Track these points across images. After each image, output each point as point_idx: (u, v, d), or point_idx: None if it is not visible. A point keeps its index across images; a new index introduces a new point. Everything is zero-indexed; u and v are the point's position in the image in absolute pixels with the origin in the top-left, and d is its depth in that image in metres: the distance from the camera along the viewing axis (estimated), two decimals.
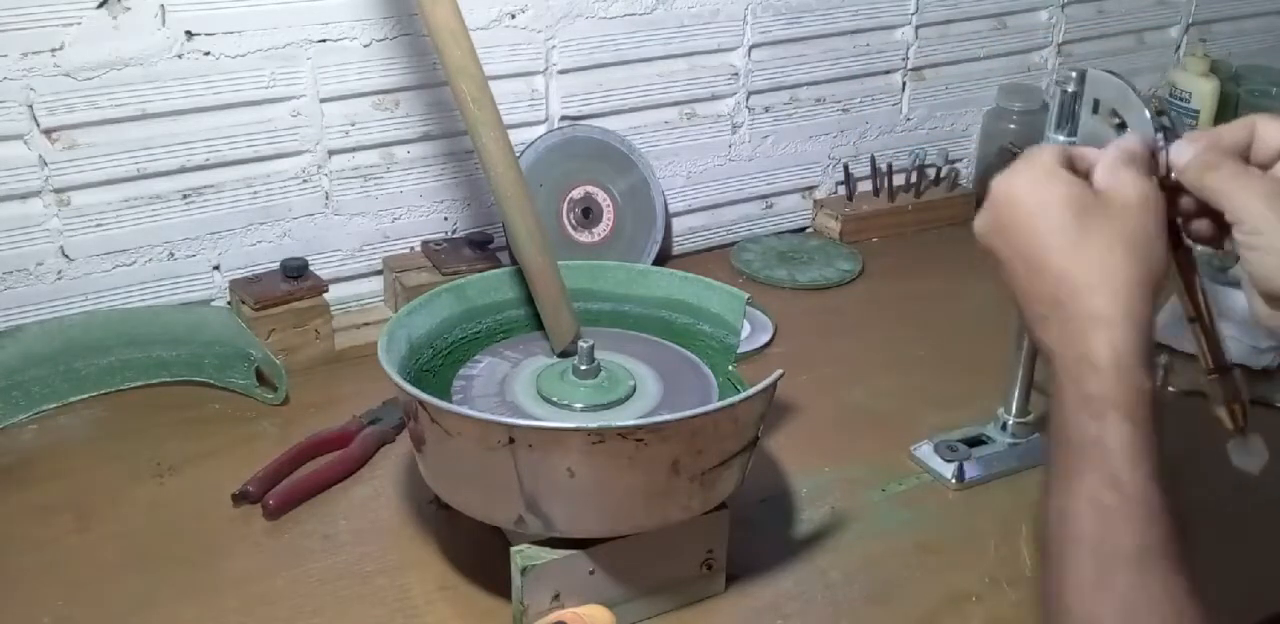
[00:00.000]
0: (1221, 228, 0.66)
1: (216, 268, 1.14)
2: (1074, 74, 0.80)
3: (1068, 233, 0.62)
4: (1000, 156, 1.41)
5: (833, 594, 0.86)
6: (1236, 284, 1.25)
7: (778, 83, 1.37)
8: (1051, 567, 0.61)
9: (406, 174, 1.20)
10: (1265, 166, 0.66)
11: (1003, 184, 0.65)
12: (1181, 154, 0.66)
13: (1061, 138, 0.83)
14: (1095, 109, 0.75)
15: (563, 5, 1.20)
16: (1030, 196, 0.64)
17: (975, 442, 1.01)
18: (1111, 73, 0.74)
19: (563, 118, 1.25)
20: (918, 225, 1.46)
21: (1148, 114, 0.70)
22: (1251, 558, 0.90)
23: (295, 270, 1.11)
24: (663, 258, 1.35)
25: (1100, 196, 0.63)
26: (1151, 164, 0.66)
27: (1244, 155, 0.67)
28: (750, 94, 1.35)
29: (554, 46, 1.21)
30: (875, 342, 1.21)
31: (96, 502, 0.92)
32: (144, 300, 1.12)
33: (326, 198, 1.17)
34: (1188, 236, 0.68)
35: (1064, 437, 0.61)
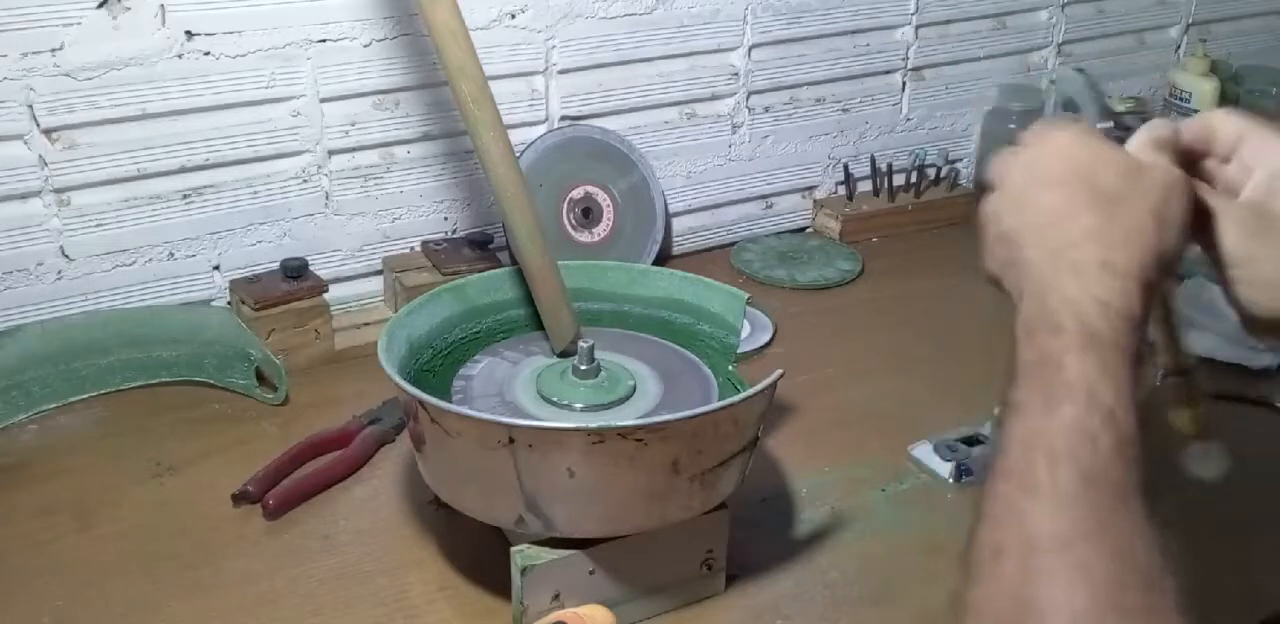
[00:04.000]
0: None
1: (216, 268, 1.14)
2: None
3: (1110, 192, 0.61)
4: None
5: (833, 594, 0.86)
6: None
7: (778, 83, 1.37)
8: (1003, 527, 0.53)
9: (406, 174, 1.20)
10: (1225, 160, 0.66)
11: (1053, 135, 0.63)
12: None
13: None
14: (1068, 107, 0.76)
15: (563, 5, 1.20)
16: (1084, 150, 0.62)
17: (974, 441, 1.01)
18: (1079, 70, 0.74)
19: (563, 118, 1.25)
20: (918, 225, 1.46)
21: (1107, 111, 0.71)
22: (1254, 557, 0.90)
23: (295, 270, 1.11)
24: (663, 258, 1.35)
25: (1141, 171, 0.62)
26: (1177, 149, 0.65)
27: (1205, 151, 0.67)
28: (750, 94, 1.35)
29: (554, 46, 1.21)
30: (875, 342, 1.21)
31: (96, 502, 0.92)
32: (144, 300, 1.12)
33: (326, 198, 1.17)
34: None
35: (1043, 379, 0.57)
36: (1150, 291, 0.59)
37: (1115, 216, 0.60)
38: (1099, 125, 0.68)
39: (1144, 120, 0.70)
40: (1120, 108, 0.79)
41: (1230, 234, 0.62)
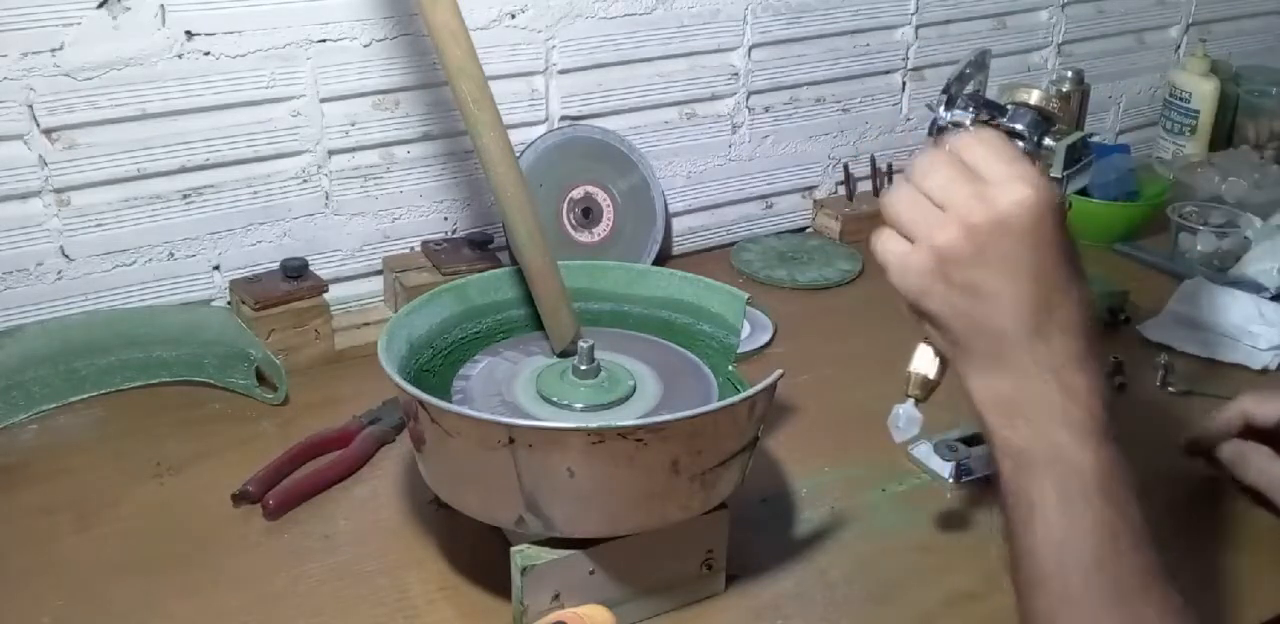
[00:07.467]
0: None
1: (216, 268, 1.14)
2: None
3: (1071, 277, 0.64)
4: None
5: (833, 594, 0.86)
6: (1236, 283, 1.26)
7: (778, 83, 1.37)
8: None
9: (406, 174, 1.20)
10: (1268, 430, 0.82)
11: (1020, 182, 0.62)
12: (1223, 453, 0.87)
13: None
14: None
15: (563, 5, 1.20)
16: (1056, 232, 0.62)
17: (974, 441, 1.01)
18: (984, 52, 0.75)
19: (563, 118, 1.25)
20: None
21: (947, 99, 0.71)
22: (1256, 557, 0.90)
23: (295, 270, 1.11)
24: (663, 258, 1.35)
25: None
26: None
27: (1247, 424, 0.84)
28: (750, 94, 1.36)
29: (554, 46, 1.21)
30: (875, 342, 1.20)
31: (96, 502, 0.92)
32: (144, 300, 1.12)
33: (326, 198, 1.17)
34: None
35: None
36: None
37: (1080, 302, 0.62)
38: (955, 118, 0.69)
39: (1034, 117, 0.71)
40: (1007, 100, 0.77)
41: None
